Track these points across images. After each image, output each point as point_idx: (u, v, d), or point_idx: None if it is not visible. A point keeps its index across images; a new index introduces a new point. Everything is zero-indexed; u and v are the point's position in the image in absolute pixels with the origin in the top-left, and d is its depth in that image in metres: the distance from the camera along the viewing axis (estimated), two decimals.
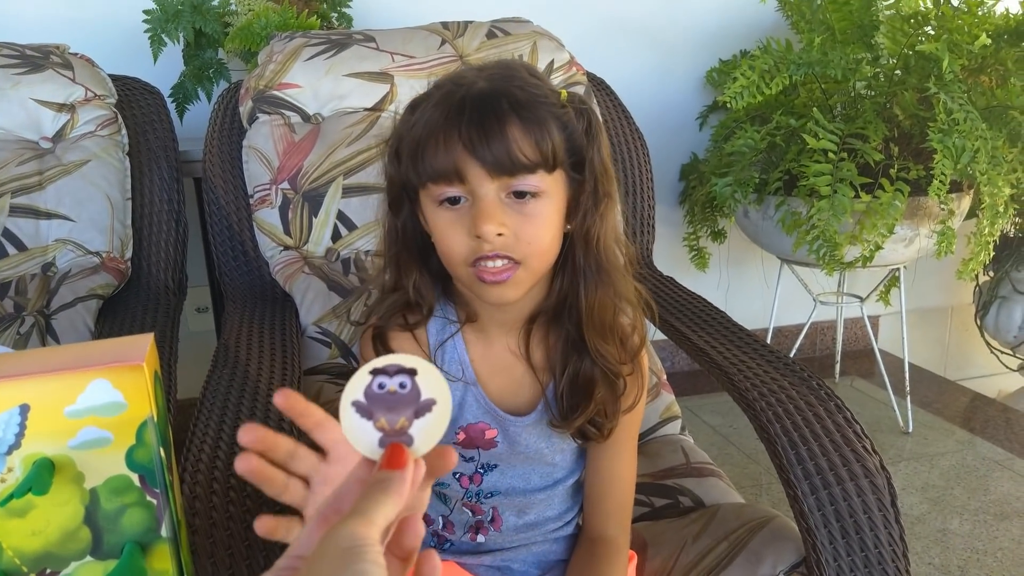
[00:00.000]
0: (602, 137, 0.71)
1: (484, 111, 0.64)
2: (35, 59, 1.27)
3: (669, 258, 2.12)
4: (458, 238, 0.66)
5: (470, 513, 0.81)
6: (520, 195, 0.65)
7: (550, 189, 0.67)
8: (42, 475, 0.45)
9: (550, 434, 0.78)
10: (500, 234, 0.65)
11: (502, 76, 0.67)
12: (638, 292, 0.76)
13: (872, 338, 2.10)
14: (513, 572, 0.82)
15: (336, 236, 1.20)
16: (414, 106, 0.69)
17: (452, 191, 0.65)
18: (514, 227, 0.65)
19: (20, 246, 1.18)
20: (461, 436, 0.77)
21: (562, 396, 0.75)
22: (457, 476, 0.79)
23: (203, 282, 1.74)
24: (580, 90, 1.39)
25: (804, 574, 0.82)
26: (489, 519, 0.81)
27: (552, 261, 0.71)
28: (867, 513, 0.80)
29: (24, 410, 0.45)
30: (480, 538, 0.82)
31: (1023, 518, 1.60)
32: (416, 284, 0.74)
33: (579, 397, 0.75)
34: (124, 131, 1.31)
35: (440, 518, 0.83)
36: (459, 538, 0.82)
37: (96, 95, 1.30)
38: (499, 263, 0.66)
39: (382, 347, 0.75)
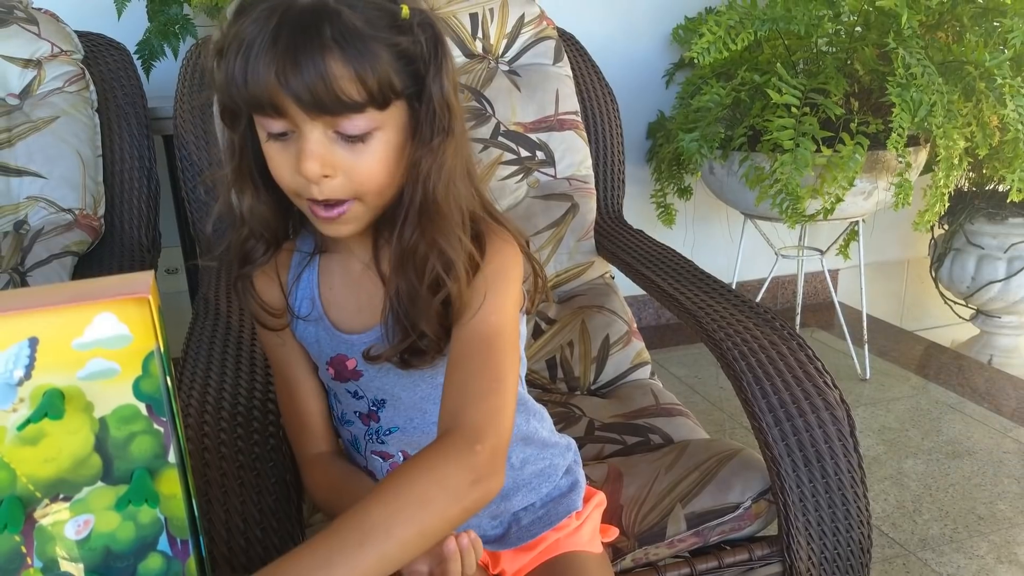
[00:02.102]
0: (447, 65, 0.61)
1: (302, 40, 0.55)
2: None
3: (637, 215, 2.15)
4: (287, 173, 0.60)
5: (381, 460, 0.76)
6: (349, 136, 0.58)
7: (385, 123, 0.59)
8: (56, 402, 0.47)
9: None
10: (327, 175, 0.59)
11: None
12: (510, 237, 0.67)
13: (832, 291, 2.17)
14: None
15: None
16: (241, 10, 0.58)
17: (275, 126, 0.58)
18: (345, 168, 0.59)
19: None
20: (331, 371, 0.73)
21: (396, 312, 0.65)
22: (357, 413, 0.75)
23: (174, 243, 1.73)
24: (551, 45, 1.41)
25: (771, 500, 0.87)
26: None
27: (394, 193, 0.63)
28: (828, 443, 0.85)
29: (33, 343, 0.47)
30: None
31: (973, 456, 1.69)
32: (256, 210, 0.66)
33: (412, 316, 0.65)
34: (92, 87, 1.30)
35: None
36: None
37: (63, 51, 1.29)
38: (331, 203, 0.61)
39: (253, 300, 0.71)
